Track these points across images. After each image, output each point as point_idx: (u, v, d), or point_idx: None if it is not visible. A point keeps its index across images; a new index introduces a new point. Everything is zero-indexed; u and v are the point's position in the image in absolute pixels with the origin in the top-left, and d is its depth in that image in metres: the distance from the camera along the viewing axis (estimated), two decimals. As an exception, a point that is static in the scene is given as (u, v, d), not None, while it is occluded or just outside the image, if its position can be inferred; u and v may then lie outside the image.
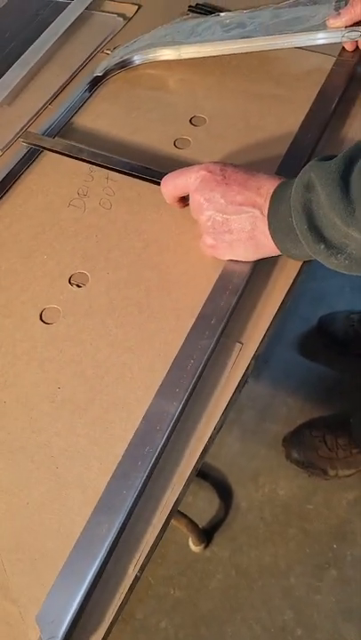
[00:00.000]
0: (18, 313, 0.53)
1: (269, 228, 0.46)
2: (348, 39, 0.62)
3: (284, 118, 0.63)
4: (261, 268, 0.51)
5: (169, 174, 0.52)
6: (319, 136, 0.58)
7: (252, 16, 0.68)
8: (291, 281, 0.52)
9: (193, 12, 0.77)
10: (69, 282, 0.54)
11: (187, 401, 0.44)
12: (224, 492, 1.16)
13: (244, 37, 0.66)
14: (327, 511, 1.12)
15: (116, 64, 0.70)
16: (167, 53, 0.69)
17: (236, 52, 0.67)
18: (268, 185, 0.47)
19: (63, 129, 0.66)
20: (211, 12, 0.76)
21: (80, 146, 0.61)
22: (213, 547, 1.10)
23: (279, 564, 1.07)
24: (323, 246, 0.42)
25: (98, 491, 0.42)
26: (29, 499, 0.43)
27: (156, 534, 0.41)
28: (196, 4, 0.78)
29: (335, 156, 0.42)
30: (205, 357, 0.45)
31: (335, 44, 0.63)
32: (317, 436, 1.15)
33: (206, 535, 1.10)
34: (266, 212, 0.46)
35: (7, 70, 0.71)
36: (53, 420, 0.46)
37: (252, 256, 0.50)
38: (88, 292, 0.53)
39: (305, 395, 1.28)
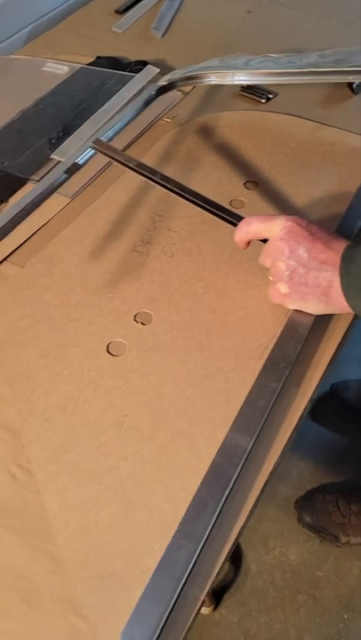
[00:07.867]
0: (85, 344, 0.56)
1: (342, 286, 0.48)
2: None
3: (331, 189, 0.69)
4: (319, 320, 0.55)
5: (253, 216, 0.54)
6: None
7: (301, 57, 0.77)
8: (343, 333, 0.56)
9: (244, 92, 0.86)
10: (134, 319, 0.57)
11: (257, 436, 0.46)
12: (234, 553, 1.14)
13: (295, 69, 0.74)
14: (338, 579, 1.11)
15: (180, 77, 0.80)
16: (217, 79, 0.80)
17: (284, 83, 0.76)
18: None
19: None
20: (259, 95, 0.85)
21: (152, 167, 0.65)
22: (222, 609, 1.07)
23: (289, 633, 1.04)
24: None
25: (163, 515, 0.44)
26: (98, 518, 0.44)
27: (221, 561, 0.42)
28: (248, 85, 0.87)
29: None
30: (274, 398, 0.49)
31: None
32: (330, 501, 1.14)
33: (215, 597, 1.07)
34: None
35: (78, 127, 0.77)
36: (120, 446, 0.48)
37: (321, 311, 0.53)
38: (152, 330, 0.56)
39: (315, 459, 1.29)
